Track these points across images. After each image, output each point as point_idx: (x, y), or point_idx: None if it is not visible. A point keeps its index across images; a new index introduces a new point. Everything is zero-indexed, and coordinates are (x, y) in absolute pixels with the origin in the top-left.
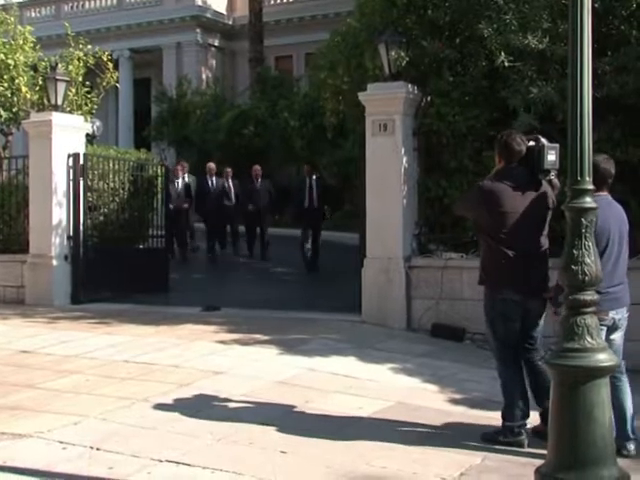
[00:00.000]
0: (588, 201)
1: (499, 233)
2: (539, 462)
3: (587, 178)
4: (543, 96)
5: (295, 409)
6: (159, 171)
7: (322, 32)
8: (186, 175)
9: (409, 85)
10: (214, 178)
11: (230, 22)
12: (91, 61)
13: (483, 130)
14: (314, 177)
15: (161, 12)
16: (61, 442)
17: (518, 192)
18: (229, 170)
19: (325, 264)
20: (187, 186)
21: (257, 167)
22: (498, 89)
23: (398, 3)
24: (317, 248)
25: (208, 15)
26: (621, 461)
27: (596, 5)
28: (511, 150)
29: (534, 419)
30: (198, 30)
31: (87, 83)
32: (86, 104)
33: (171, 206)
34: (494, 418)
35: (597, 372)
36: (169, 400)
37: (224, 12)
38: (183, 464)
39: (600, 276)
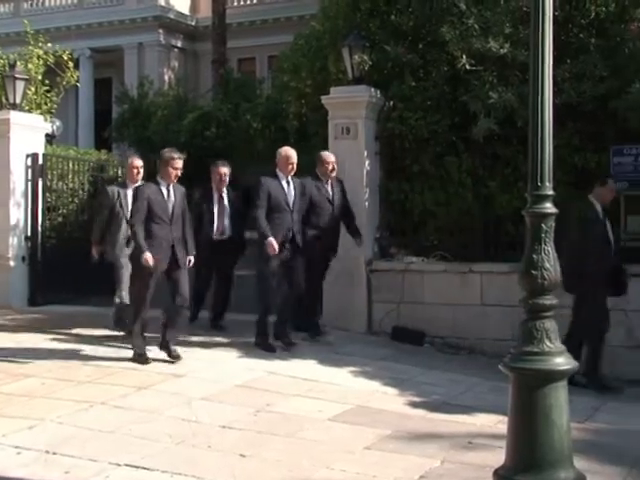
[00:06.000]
0: (548, 207)
1: None
2: (497, 465)
3: (547, 184)
4: (503, 102)
5: (255, 412)
6: (120, 172)
7: (285, 35)
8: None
9: (372, 89)
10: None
11: (193, 23)
12: (51, 60)
13: (444, 135)
14: (226, 190)
15: (122, 12)
16: (16, 447)
17: None
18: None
19: None
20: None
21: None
22: (459, 94)
23: (362, 7)
24: (225, 300)
25: (171, 16)
26: (576, 462)
27: (556, 13)
28: None
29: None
30: (160, 31)
31: (47, 82)
32: (45, 103)
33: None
34: (453, 421)
35: (555, 375)
36: (128, 403)
37: (187, 13)
38: (142, 468)
39: (559, 281)
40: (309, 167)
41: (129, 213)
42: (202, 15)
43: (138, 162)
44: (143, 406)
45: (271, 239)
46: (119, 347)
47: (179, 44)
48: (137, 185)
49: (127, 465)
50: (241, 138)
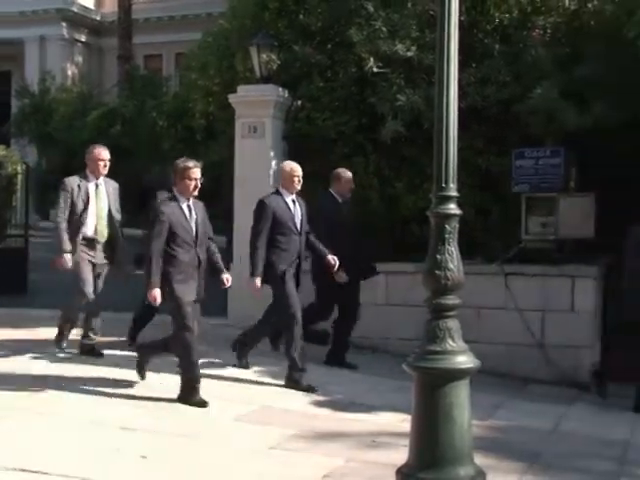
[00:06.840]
0: (452, 207)
1: None
2: (400, 463)
3: (451, 185)
4: (410, 104)
5: (159, 413)
6: (19, 168)
7: (193, 32)
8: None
9: (280, 89)
10: None
11: (98, 18)
12: None
13: (352, 136)
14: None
15: (23, 3)
16: None
17: None
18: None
19: None
20: None
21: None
22: (367, 96)
23: (270, 6)
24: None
25: (74, 9)
26: (478, 459)
27: (462, 18)
28: None
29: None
30: (63, 24)
31: None
32: None
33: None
34: (358, 420)
35: (457, 374)
36: (26, 405)
37: (92, 7)
38: (36, 472)
39: (462, 281)
40: (213, 168)
41: (94, 208)
42: (107, 10)
43: (106, 154)
44: (42, 408)
45: (257, 279)
46: (18, 348)
47: (83, 38)
48: (156, 203)
49: (21, 470)
50: (147, 136)
